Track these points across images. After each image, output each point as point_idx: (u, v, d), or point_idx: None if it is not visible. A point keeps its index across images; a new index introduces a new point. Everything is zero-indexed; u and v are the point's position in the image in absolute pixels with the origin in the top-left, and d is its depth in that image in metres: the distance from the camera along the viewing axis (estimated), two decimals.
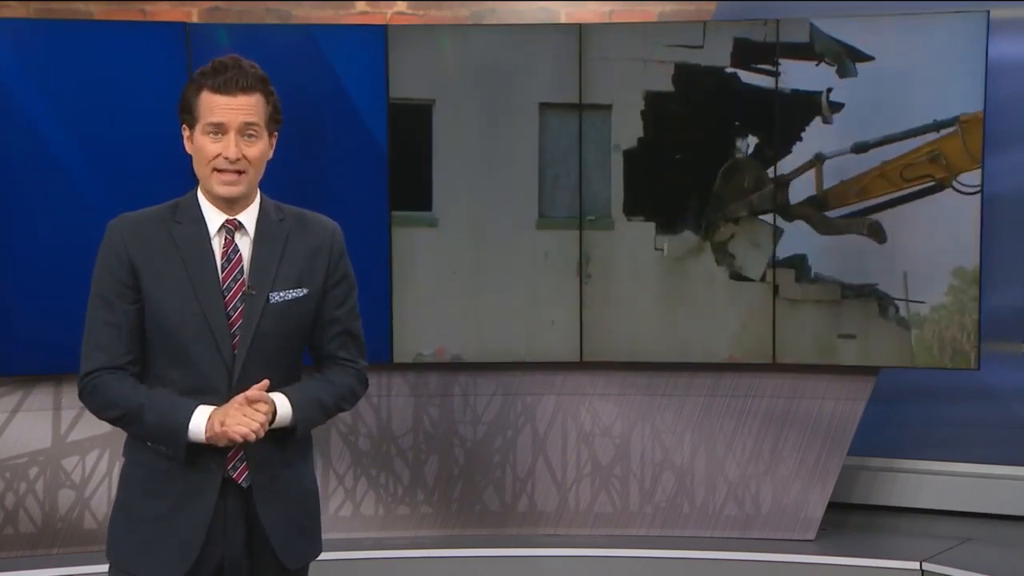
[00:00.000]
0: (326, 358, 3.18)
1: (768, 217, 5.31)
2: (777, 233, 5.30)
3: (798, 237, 5.31)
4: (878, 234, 5.24)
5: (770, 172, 5.30)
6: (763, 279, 5.34)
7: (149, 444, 3.05)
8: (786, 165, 5.29)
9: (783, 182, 5.29)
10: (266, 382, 2.99)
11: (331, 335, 3.16)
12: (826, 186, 5.27)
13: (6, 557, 5.13)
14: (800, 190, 5.29)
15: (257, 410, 2.97)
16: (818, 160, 5.25)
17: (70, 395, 5.14)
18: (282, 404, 3.04)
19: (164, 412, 2.99)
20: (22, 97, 5.02)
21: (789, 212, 5.30)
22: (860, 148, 5.21)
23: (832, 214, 5.28)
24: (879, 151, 5.21)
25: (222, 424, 2.95)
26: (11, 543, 5.18)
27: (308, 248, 3.12)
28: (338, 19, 5.90)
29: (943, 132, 5.14)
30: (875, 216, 5.24)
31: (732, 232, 5.33)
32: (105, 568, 3.16)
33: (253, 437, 2.95)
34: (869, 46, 5.19)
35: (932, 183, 5.18)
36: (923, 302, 5.23)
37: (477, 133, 5.39)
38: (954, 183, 5.15)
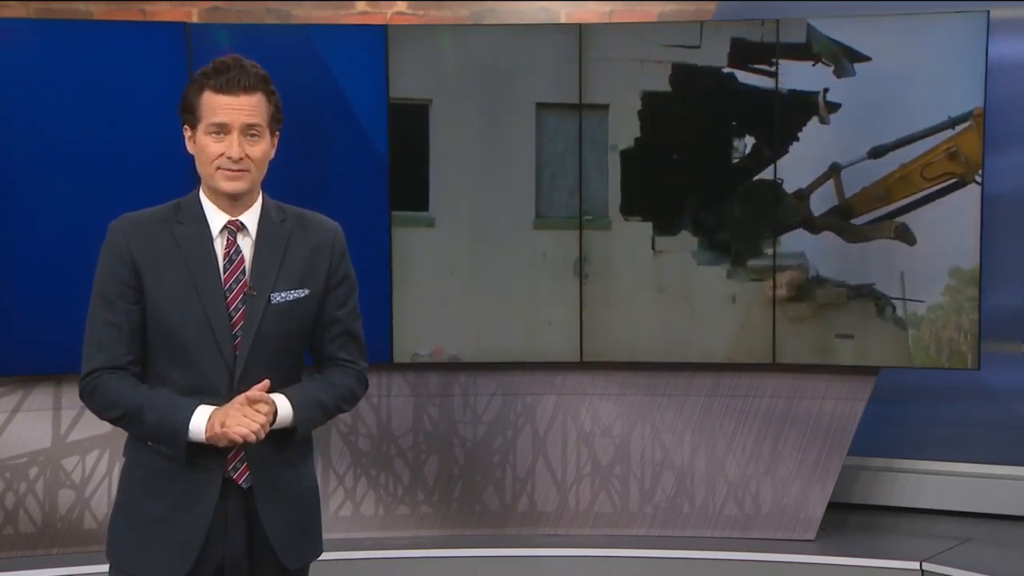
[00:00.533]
0: (326, 359, 3.18)
1: (769, 224, 5.32)
2: (809, 248, 5.30)
3: (799, 239, 5.31)
4: (906, 236, 5.22)
5: (769, 173, 5.30)
6: (763, 279, 5.34)
7: (149, 444, 3.05)
8: (793, 172, 5.28)
9: (803, 196, 5.28)
10: (266, 382, 2.99)
11: (332, 335, 3.16)
12: (847, 195, 5.25)
13: (6, 557, 5.13)
14: (821, 202, 5.28)
15: (258, 411, 2.97)
16: (834, 171, 5.24)
17: (70, 395, 5.14)
18: (282, 405, 3.03)
19: (164, 412, 2.99)
20: (22, 97, 5.02)
21: (814, 224, 5.29)
22: (877, 153, 5.21)
23: (858, 221, 5.26)
24: (896, 154, 5.20)
25: (223, 425, 2.95)
26: (11, 543, 5.18)
27: (309, 248, 3.12)
28: (338, 19, 5.90)
29: (959, 128, 5.13)
30: (901, 218, 5.23)
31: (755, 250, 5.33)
32: (105, 568, 3.16)
33: (253, 438, 2.95)
34: (868, 46, 5.19)
35: (955, 179, 5.17)
36: (921, 301, 5.23)
37: (476, 133, 5.39)
38: (976, 177, 5.15)
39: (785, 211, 5.31)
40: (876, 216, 5.25)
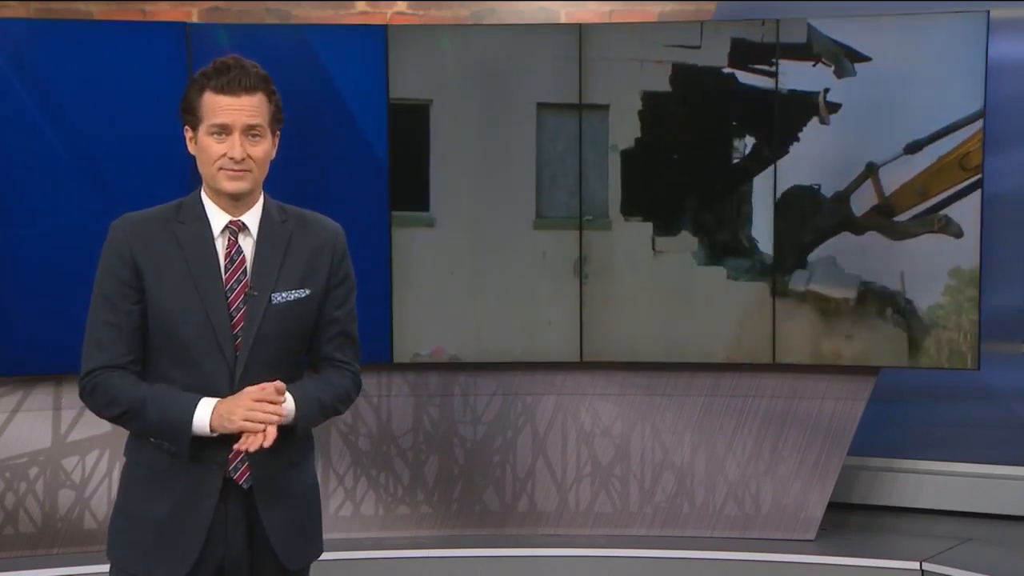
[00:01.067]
0: (322, 359, 3.17)
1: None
2: (856, 249, 5.27)
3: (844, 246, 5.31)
4: (950, 228, 5.18)
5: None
6: (763, 279, 5.34)
7: (152, 440, 3.04)
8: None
9: (842, 198, 5.25)
10: (282, 385, 2.99)
11: (329, 336, 3.16)
12: (886, 192, 5.23)
13: (6, 557, 5.13)
14: (861, 202, 5.25)
15: (271, 400, 2.96)
16: (871, 170, 5.22)
17: (70, 395, 5.14)
18: (287, 400, 3.03)
19: (167, 406, 2.99)
20: (22, 97, 5.02)
21: (857, 225, 5.27)
22: (912, 148, 5.18)
23: (900, 219, 5.24)
24: (933, 147, 5.16)
25: (230, 413, 2.95)
26: (11, 543, 5.18)
27: (310, 249, 3.12)
28: (338, 19, 5.90)
29: None
30: (944, 211, 5.20)
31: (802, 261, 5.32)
32: (105, 568, 3.16)
33: (262, 428, 2.94)
34: (868, 46, 5.19)
35: None
36: (921, 302, 5.24)
37: (476, 133, 5.39)
38: None
39: (825, 216, 5.28)
40: (918, 211, 5.23)
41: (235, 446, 2.96)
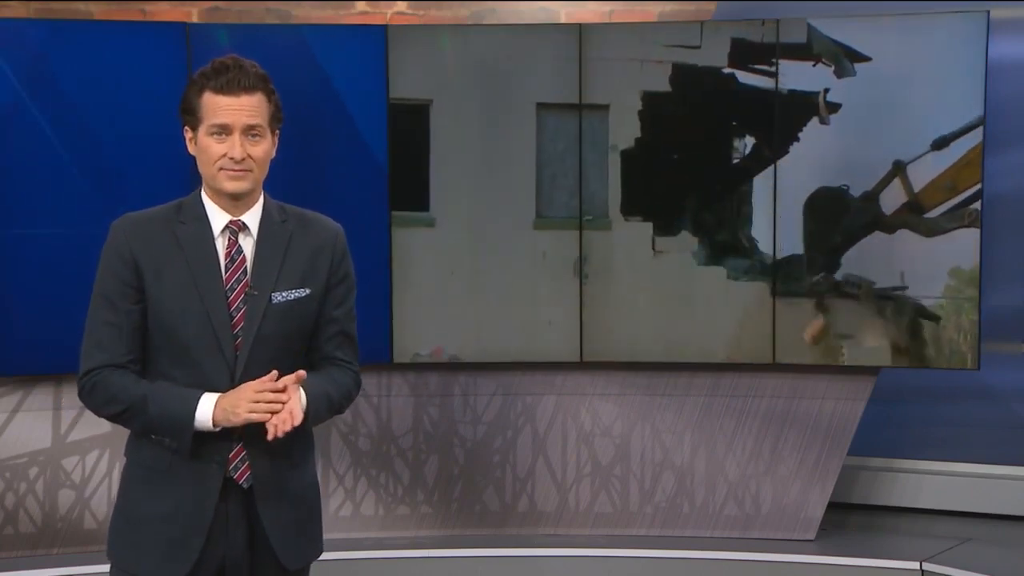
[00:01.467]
0: (323, 358, 3.17)
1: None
2: (885, 246, 5.26)
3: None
4: (980, 222, 5.15)
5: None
6: (763, 279, 5.34)
7: (153, 437, 3.04)
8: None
9: (871, 197, 5.24)
10: (302, 373, 3.00)
11: (328, 335, 3.16)
12: (915, 190, 5.22)
13: (6, 557, 5.13)
14: (890, 201, 5.24)
15: (275, 394, 2.97)
16: (898, 168, 5.21)
17: (70, 395, 5.13)
18: (299, 393, 3.03)
19: (169, 401, 2.99)
20: (22, 97, 5.02)
21: (888, 224, 5.26)
22: (939, 144, 5.17)
23: (931, 215, 5.22)
24: (959, 143, 5.15)
25: (234, 406, 2.95)
26: (11, 543, 5.18)
27: (311, 248, 3.12)
28: (338, 19, 5.90)
29: None
30: (974, 206, 5.18)
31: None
32: (105, 568, 3.16)
33: (269, 418, 2.94)
34: (868, 46, 5.19)
35: None
36: (921, 302, 5.24)
37: (476, 133, 5.39)
38: None
39: (854, 216, 5.27)
40: (948, 207, 5.21)
41: (268, 437, 2.96)
